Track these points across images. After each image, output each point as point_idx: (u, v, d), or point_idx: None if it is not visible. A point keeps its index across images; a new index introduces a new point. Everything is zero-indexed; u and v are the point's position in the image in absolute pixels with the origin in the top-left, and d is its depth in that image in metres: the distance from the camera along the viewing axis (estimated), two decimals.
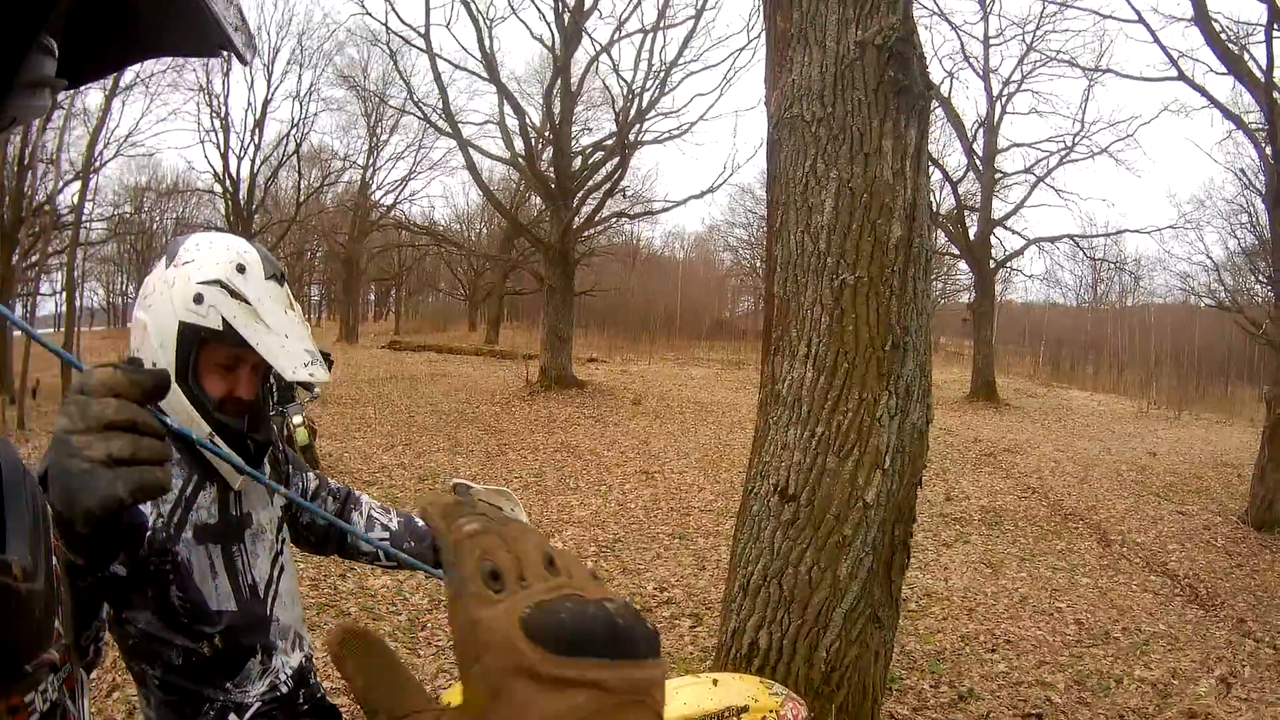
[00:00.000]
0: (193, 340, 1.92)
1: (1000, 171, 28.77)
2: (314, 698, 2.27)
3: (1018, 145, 29.72)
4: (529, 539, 0.60)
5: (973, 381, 25.42)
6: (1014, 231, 30.23)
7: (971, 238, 26.66)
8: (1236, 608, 8.24)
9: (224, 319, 1.91)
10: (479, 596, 0.54)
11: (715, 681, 3.05)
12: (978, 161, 27.57)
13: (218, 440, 1.93)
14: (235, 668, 2.07)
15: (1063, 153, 28.88)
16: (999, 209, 28.61)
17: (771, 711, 2.94)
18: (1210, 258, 27.97)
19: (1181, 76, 15.81)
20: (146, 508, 1.90)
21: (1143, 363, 40.58)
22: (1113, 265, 38.22)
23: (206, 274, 1.93)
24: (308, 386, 9.94)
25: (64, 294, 16.33)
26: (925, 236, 4.21)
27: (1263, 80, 12.78)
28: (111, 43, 0.77)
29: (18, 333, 22.65)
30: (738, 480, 11.60)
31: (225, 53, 0.83)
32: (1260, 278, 17.25)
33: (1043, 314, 52.82)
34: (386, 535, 2.44)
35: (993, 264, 27.98)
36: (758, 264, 50.07)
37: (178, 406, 1.90)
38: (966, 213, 27.04)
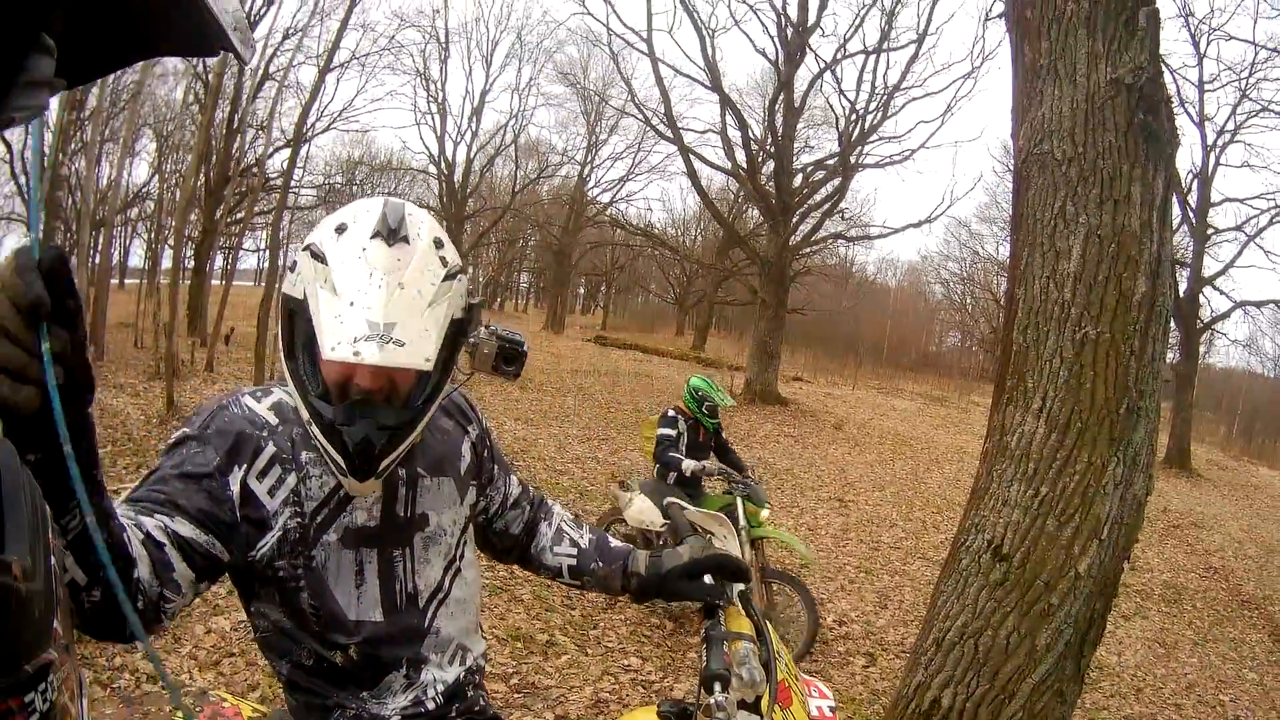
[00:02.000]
0: (286, 312, 1.71)
1: (1212, 227, 27.01)
2: (471, 710, 2.01)
3: (1231, 200, 27.86)
4: None
5: (1168, 448, 23.67)
6: (1221, 291, 28.50)
7: (1180, 294, 24.89)
8: None
9: (304, 288, 1.64)
10: None
11: None
12: (1191, 214, 25.88)
13: (314, 430, 1.68)
14: (374, 680, 1.86)
15: (1274, 211, 26.87)
16: (1208, 266, 26.87)
17: None
18: None
19: None
20: (275, 504, 1.72)
21: None
22: None
23: (310, 238, 1.68)
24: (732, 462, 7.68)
25: (268, 252, 17.28)
26: (1168, 295, 3.93)
27: None
28: (111, 43, 0.78)
29: (217, 280, 23.69)
30: (930, 520, 11.58)
31: (224, 52, 0.85)
32: None
33: (1241, 382, 49.90)
34: (574, 553, 2.20)
35: (1200, 324, 26.47)
36: (968, 300, 49.00)
37: (292, 389, 1.71)
38: (1176, 268, 25.24)
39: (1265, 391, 48.99)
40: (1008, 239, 4.65)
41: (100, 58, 0.81)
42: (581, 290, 63.09)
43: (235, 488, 1.68)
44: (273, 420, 1.77)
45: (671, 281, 48.83)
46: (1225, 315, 28.51)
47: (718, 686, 1.76)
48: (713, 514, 2.06)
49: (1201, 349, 28.75)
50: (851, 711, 5.64)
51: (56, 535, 0.95)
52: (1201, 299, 26.55)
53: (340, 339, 1.53)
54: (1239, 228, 27.58)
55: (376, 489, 1.80)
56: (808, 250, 25.74)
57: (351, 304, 1.56)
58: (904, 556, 9.98)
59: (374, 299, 1.56)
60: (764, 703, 1.86)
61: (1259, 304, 28.91)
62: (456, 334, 1.76)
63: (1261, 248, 28.63)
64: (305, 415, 1.67)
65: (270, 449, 1.73)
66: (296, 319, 1.67)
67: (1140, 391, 3.82)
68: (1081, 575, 3.85)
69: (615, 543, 2.25)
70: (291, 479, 1.74)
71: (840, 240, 28.80)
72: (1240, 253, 28.17)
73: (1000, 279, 39.20)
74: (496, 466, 2.18)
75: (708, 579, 2.05)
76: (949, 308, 55.14)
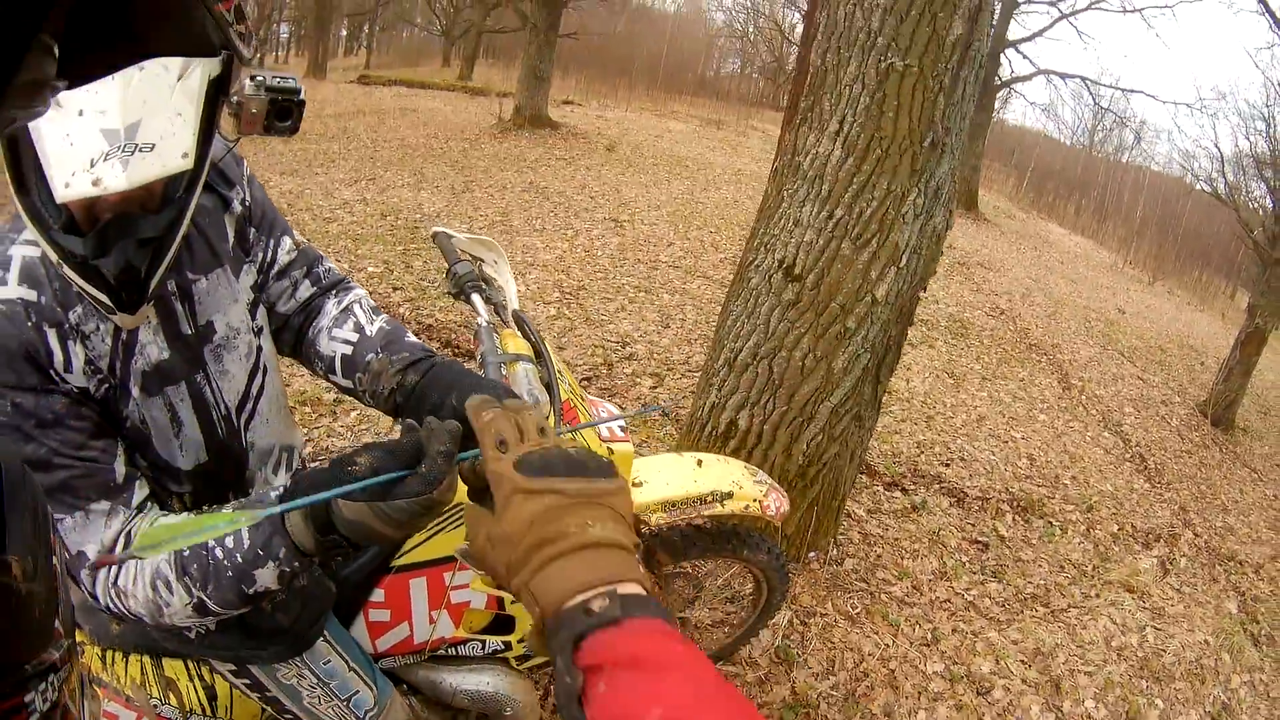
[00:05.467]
0: (7, 139, 1.27)
1: None
2: None
3: None
4: (529, 417, 1.11)
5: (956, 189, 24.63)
6: (1025, 57, 29.35)
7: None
8: (1180, 494, 8.27)
9: None
10: (494, 457, 1.02)
11: (700, 462, 2.93)
12: None
13: (67, 271, 1.32)
14: None
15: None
16: (1014, 32, 27.58)
17: (755, 501, 2.89)
18: (1218, 148, 27.73)
19: None
20: (84, 382, 1.44)
21: (1127, 220, 40.44)
22: (1118, 117, 37.24)
23: None
24: None
25: None
26: (984, 41, 3.87)
27: None
28: (111, 42, 0.70)
29: None
30: (708, 239, 11.68)
31: (226, 52, 0.86)
32: (1264, 184, 17.13)
33: (1035, 142, 51.83)
34: (353, 340, 1.78)
35: (998, 81, 27.03)
36: (750, 29, 48.98)
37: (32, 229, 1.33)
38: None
39: (1058, 156, 51.16)
40: None
41: (101, 58, 0.70)
42: (344, 32, 59.79)
43: (69, 392, 1.42)
44: (31, 296, 1.41)
45: (438, 13, 46.65)
46: (1027, 78, 29.38)
47: None
48: (482, 240, 1.89)
49: (997, 104, 29.59)
50: (646, 435, 5.66)
51: (56, 535, 0.86)
52: (1003, 59, 27.06)
53: (73, 169, 1.20)
54: (1054, 3, 27.89)
55: (150, 314, 1.52)
56: None
57: (80, 112, 1.21)
58: (683, 275, 9.97)
59: (107, 97, 1.23)
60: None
61: (1064, 75, 29.77)
62: (215, 96, 1.36)
63: (1075, 26, 29.68)
64: (53, 256, 1.31)
65: (50, 333, 1.41)
66: (20, 144, 1.27)
67: (946, 129, 3.81)
68: (879, 301, 3.92)
69: (415, 339, 1.79)
70: (78, 349, 1.43)
71: None
72: (1051, 25, 28.35)
73: (789, 9, 39.34)
74: (255, 229, 1.77)
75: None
76: (729, 35, 54.97)
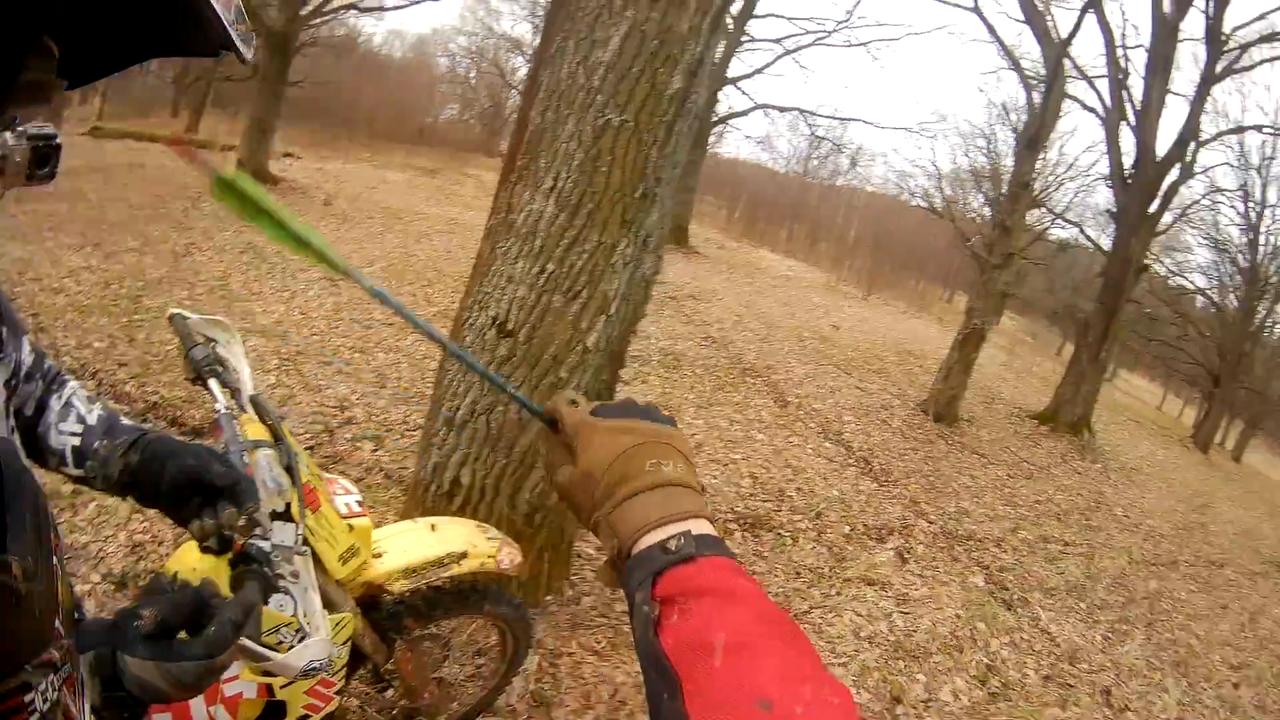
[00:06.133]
0: None
1: (748, 35, 27.83)
2: None
3: (779, 17, 29.99)
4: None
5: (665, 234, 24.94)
6: (744, 92, 29.82)
7: None
8: (909, 488, 8.76)
9: None
10: (569, 412, 1.03)
11: (433, 527, 3.03)
12: (728, 20, 26.71)
13: None
14: None
15: (820, 35, 28.12)
16: (735, 69, 28.01)
17: (489, 557, 3.00)
18: (936, 166, 29.30)
19: (977, 9, 15.91)
20: None
21: (840, 240, 42.08)
22: (834, 145, 38.49)
23: None
24: None
25: None
26: (701, 94, 4.08)
27: (1058, 43, 13.64)
28: (112, 43, 0.78)
29: None
30: (421, 293, 11.80)
31: (227, 52, 0.85)
32: (984, 198, 18.29)
33: (749, 173, 53.60)
34: (79, 430, 1.72)
35: (715, 118, 27.60)
36: (472, 75, 49.18)
37: None
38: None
39: (772, 185, 52.79)
40: (530, 19, 4.57)
41: (101, 58, 0.80)
42: None
43: None
44: None
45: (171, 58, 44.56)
46: (744, 113, 29.99)
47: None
48: (214, 320, 1.87)
49: (712, 139, 30.26)
50: (371, 499, 5.57)
51: (56, 535, 0.86)
52: (720, 96, 27.44)
53: None
54: (779, 40, 28.68)
55: None
56: (318, 20, 24.05)
57: None
58: (397, 332, 9.88)
59: None
60: (294, 509, 1.81)
61: (781, 108, 30.60)
62: None
63: (797, 61, 30.77)
64: None
65: None
66: None
67: (658, 179, 3.99)
68: (590, 349, 4.07)
69: (128, 422, 1.78)
70: None
71: (353, 10, 27.00)
72: (774, 62, 29.46)
73: (511, 55, 39.66)
74: (5, 329, 1.51)
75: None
76: (451, 80, 54.95)
